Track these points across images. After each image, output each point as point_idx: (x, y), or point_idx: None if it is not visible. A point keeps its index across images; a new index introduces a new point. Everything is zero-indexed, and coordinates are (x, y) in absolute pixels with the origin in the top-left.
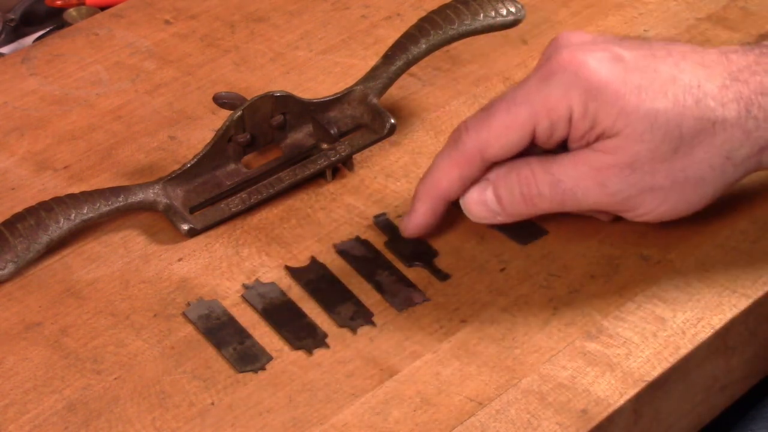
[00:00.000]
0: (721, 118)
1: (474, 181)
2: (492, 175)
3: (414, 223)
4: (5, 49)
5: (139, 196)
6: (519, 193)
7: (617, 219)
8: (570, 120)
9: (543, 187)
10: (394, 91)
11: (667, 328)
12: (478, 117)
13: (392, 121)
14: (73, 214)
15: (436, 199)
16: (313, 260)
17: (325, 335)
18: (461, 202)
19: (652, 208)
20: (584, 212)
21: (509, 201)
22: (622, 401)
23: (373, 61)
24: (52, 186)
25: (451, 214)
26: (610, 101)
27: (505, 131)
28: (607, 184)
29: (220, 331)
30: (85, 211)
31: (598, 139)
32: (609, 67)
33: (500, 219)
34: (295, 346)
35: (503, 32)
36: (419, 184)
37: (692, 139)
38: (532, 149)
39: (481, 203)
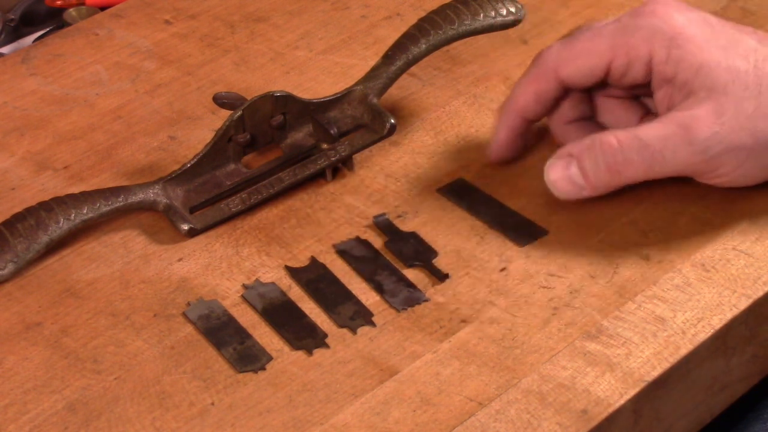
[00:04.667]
0: None
1: (549, 100)
2: (575, 150)
3: (495, 142)
4: (5, 49)
5: (139, 196)
6: (604, 163)
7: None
8: (649, 64)
9: (630, 153)
10: (394, 91)
11: (667, 328)
12: (563, 39)
13: (392, 121)
14: (73, 214)
15: (513, 114)
16: (313, 260)
17: (325, 335)
18: (546, 179)
19: (732, 168)
20: (662, 177)
21: (594, 172)
22: (622, 401)
23: (373, 61)
24: (52, 186)
25: (451, 214)
26: (693, 51)
27: (582, 54)
28: (695, 141)
29: (220, 331)
30: (85, 211)
31: (683, 98)
32: (696, 26)
33: (585, 193)
34: (295, 346)
35: (503, 32)
36: (500, 107)
37: None
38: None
39: (566, 179)
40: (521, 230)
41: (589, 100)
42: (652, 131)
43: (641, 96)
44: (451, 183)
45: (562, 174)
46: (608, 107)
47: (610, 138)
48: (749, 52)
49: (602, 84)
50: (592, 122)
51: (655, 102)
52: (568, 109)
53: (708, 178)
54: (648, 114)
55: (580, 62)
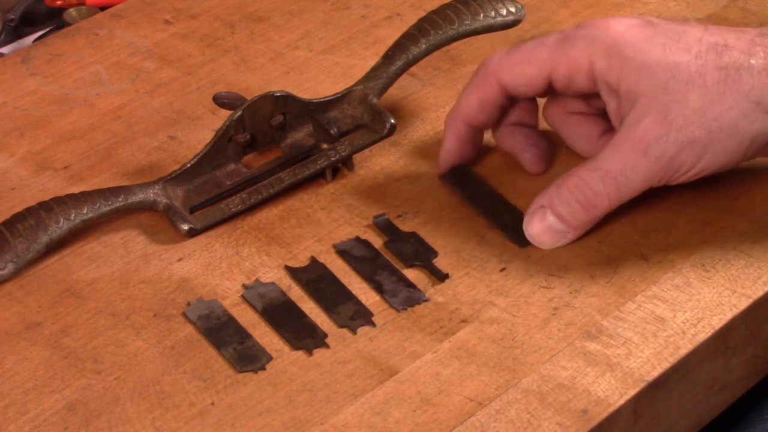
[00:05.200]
0: (746, 65)
1: (493, 107)
2: (544, 200)
3: (443, 151)
4: (5, 49)
5: (139, 196)
6: (576, 202)
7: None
8: (591, 75)
9: (596, 185)
10: (394, 91)
11: (667, 328)
12: (508, 48)
13: (392, 121)
14: (73, 214)
15: (457, 122)
16: (313, 260)
17: (325, 335)
18: (527, 236)
19: (693, 162)
20: (636, 195)
21: (570, 215)
22: (622, 401)
23: (373, 61)
24: (52, 186)
25: (451, 214)
26: (632, 55)
27: (523, 63)
28: (649, 151)
29: (220, 331)
30: (85, 211)
31: (630, 107)
32: (636, 30)
33: (571, 236)
34: (295, 346)
35: (503, 32)
36: (447, 115)
37: (718, 86)
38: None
39: (547, 230)
40: (521, 230)
41: (530, 107)
42: (608, 156)
43: (601, 110)
44: (454, 169)
45: (541, 226)
46: (571, 123)
47: (573, 178)
48: (692, 44)
49: (552, 92)
50: (529, 128)
51: (609, 116)
52: (508, 112)
53: (677, 178)
54: (609, 130)
55: (520, 70)
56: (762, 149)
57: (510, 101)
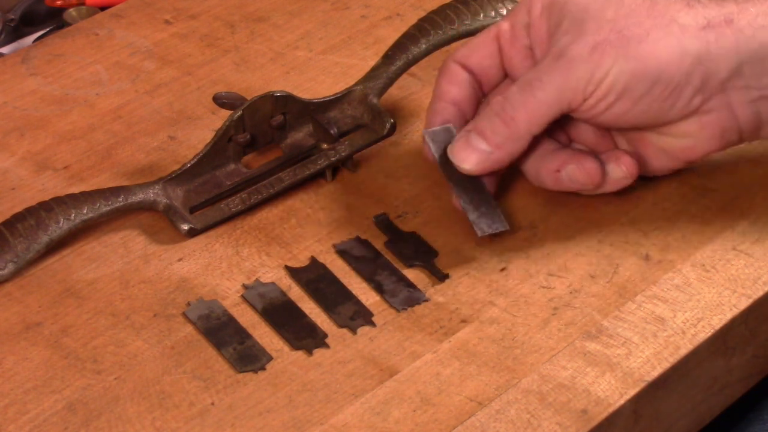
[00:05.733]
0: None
1: (463, 84)
2: (470, 125)
3: (427, 122)
4: (5, 49)
5: (139, 196)
6: (497, 117)
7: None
8: (530, 21)
9: (513, 96)
10: (394, 91)
11: (667, 328)
12: None
13: (392, 121)
14: (73, 214)
15: (440, 101)
16: (313, 260)
17: (325, 335)
18: (452, 159)
19: (607, 67)
20: (555, 107)
21: (491, 130)
22: (622, 401)
23: (373, 61)
24: (52, 186)
25: (451, 214)
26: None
27: (475, 38)
28: (563, 54)
29: (220, 331)
30: (85, 211)
31: (550, 37)
32: None
33: (494, 156)
34: (295, 346)
35: None
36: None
37: (634, 5)
38: None
39: (470, 148)
40: (487, 217)
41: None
42: (528, 72)
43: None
44: (439, 128)
45: (465, 144)
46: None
47: (497, 97)
48: None
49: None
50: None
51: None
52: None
53: (595, 92)
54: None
55: (473, 42)
56: (704, 87)
57: (476, 81)
